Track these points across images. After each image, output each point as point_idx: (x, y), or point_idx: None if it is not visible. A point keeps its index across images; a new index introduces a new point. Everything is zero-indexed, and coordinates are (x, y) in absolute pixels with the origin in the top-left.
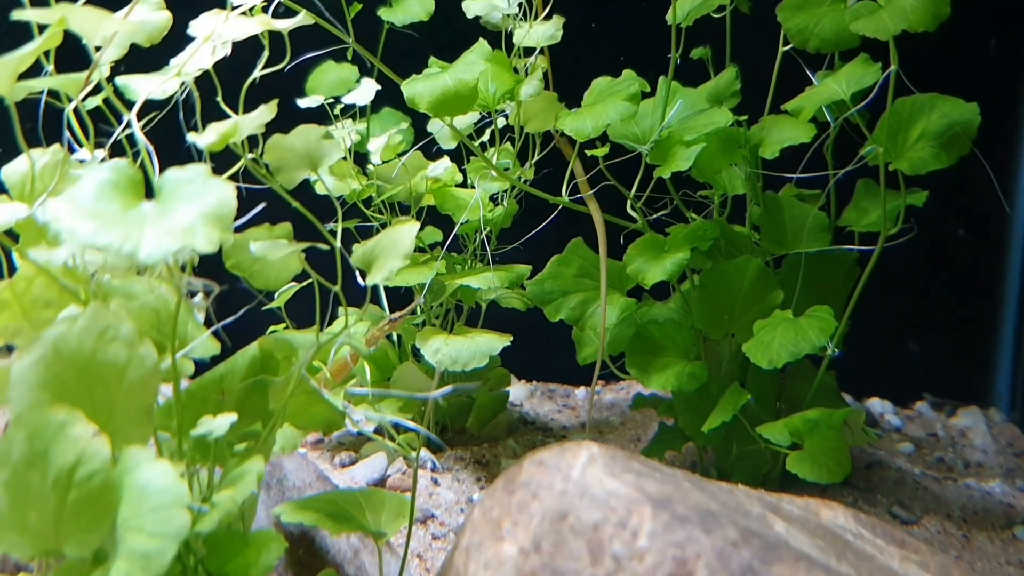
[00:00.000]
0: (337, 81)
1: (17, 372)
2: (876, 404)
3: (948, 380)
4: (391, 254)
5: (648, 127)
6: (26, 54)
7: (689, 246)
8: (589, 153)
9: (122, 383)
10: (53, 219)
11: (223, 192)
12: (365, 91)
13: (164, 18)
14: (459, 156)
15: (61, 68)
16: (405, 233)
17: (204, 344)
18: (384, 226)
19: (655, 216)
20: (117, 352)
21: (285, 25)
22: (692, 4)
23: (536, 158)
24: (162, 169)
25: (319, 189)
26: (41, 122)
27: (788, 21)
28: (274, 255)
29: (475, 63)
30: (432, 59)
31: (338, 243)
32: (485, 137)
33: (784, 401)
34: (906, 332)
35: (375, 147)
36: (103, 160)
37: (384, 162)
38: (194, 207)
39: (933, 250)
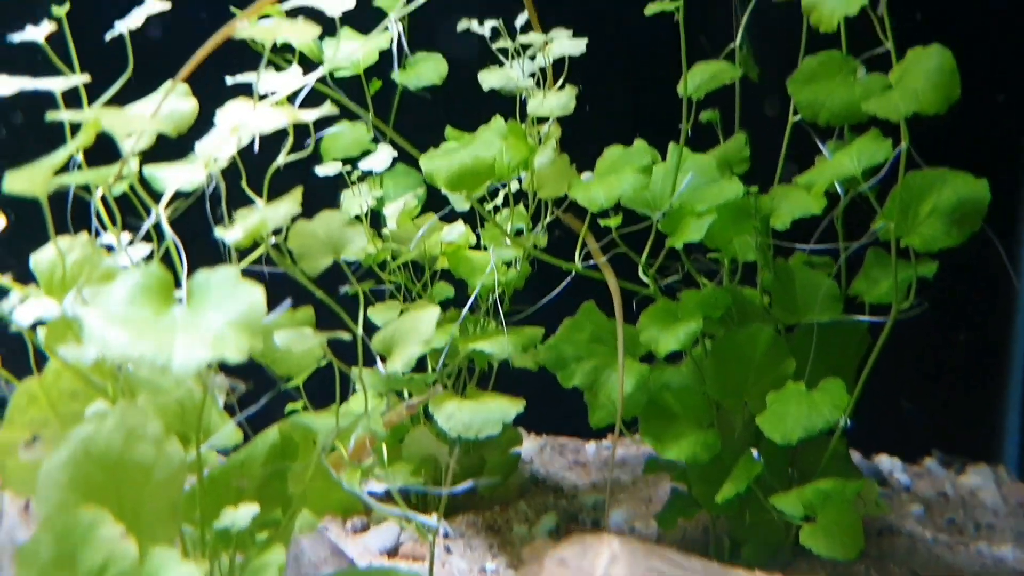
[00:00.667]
0: (352, 142)
1: (46, 473)
2: (885, 461)
3: (957, 436)
4: (411, 340)
5: (659, 192)
6: (61, 158)
7: (701, 314)
8: (602, 223)
9: (149, 482)
10: (87, 329)
11: (252, 297)
12: (381, 157)
13: (191, 107)
14: (473, 216)
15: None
16: (425, 319)
17: (228, 434)
18: (399, 288)
19: (667, 282)
20: (145, 452)
21: (311, 116)
22: (703, 77)
23: (548, 220)
24: (188, 256)
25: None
26: (69, 206)
27: (798, 94)
28: (298, 347)
29: (492, 141)
30: (449, 129)
31: (360, 330)
32: (499, 200)
33: (796, 468)
34: (915, 388)
35: (391, 212)
36: (130, 243)
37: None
38: (224, 313)
39: (942, 308)
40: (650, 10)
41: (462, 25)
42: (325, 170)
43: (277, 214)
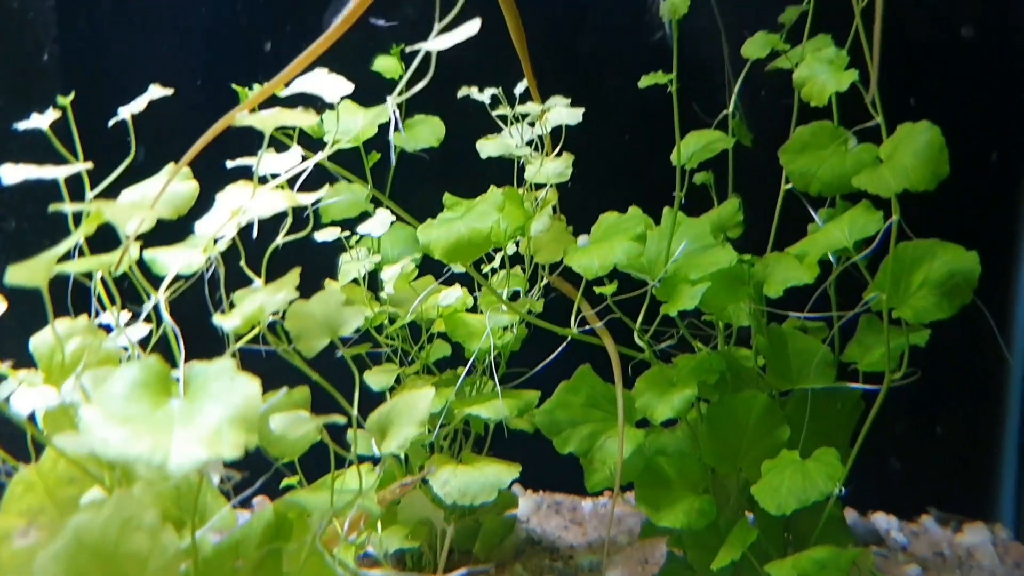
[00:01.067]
0: (350, 202)
1: (40, 565)
2: (881, 520)
3: (953, 493)
4: (406, 421)
5: (654, 257)
6: (63, 250)
7: (696, 380)
8: (597, 291)
9: (144, 572)
10: (85, 427)
11: (248, 391)
12: (380, 222)
13: (191, 188)
14: (471, 276)
15: None
16: (420, 400)
17: (224, 517)
18: (395, 352)
19: (662, 346)
20: (140, 542)
21: (309, 199)
22: (696, 146)
23: (545, 281)
24: (186, 327)
25: None
26: (70, 285)
27: (790, 164)
28: (294, 432)
29: (488, 212)
30: (447, 196)
31: (355, 411)
32: (496, 262)
33: (792, 532)
34: (911, 445)
35: (389, 276)
36: (129, 322)
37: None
38: (220, 408)
39: (936, 368)
40: (643, 83)
41: (462, 92)
42: (324, 235)
43: (275, 300)
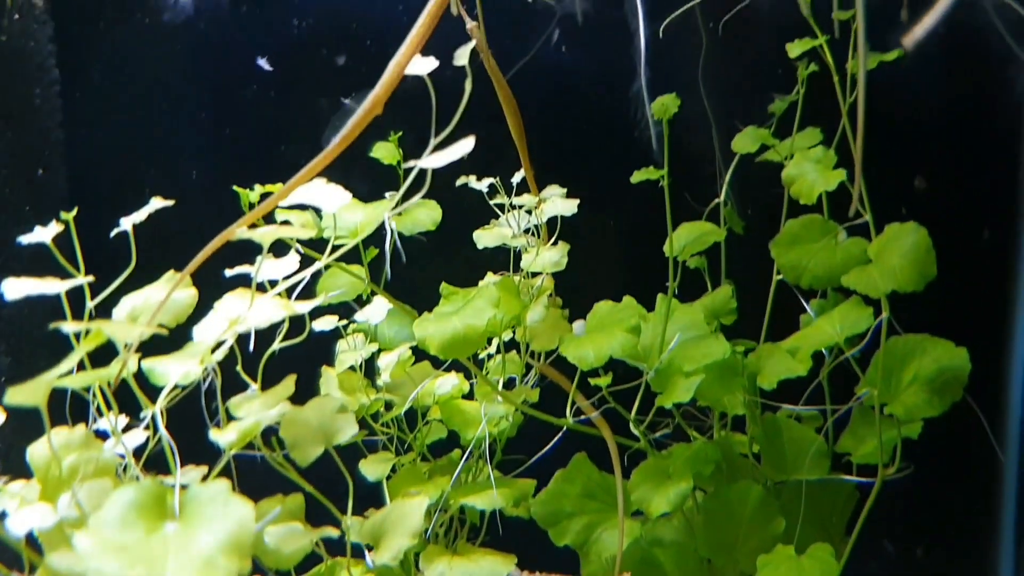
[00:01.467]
0: (347, 286)
1: None
2: None
3: None
4: (400, 532)
5: (649, 343)
6: (63, 370)
7: (692, 471)
8: (592, 382)
9: None
10: (80, 556)
11: (242, 515)
12: (377, 309)
13: (190, 296)
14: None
15: None
16: (414, 509)
17: None
18: (391, 440)
19: (658, 435)
20: None
21: (306, 308)
22: (689, 238)
23: (542, 362)
24: (181, 435)
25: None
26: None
27: (781, 257)
28: (288, 547)
29: (484, 308)
30: (444, 286)
31: (349, 520)
32: (492, 348)
33: None
34: (906, 535)
35: (385, 364)
36: (126, 428)
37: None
38: (214, 535)
39: (929, 455)
40: (635, 178)
41: (460, 181)
42: (321, 325)
43: (270, 415)
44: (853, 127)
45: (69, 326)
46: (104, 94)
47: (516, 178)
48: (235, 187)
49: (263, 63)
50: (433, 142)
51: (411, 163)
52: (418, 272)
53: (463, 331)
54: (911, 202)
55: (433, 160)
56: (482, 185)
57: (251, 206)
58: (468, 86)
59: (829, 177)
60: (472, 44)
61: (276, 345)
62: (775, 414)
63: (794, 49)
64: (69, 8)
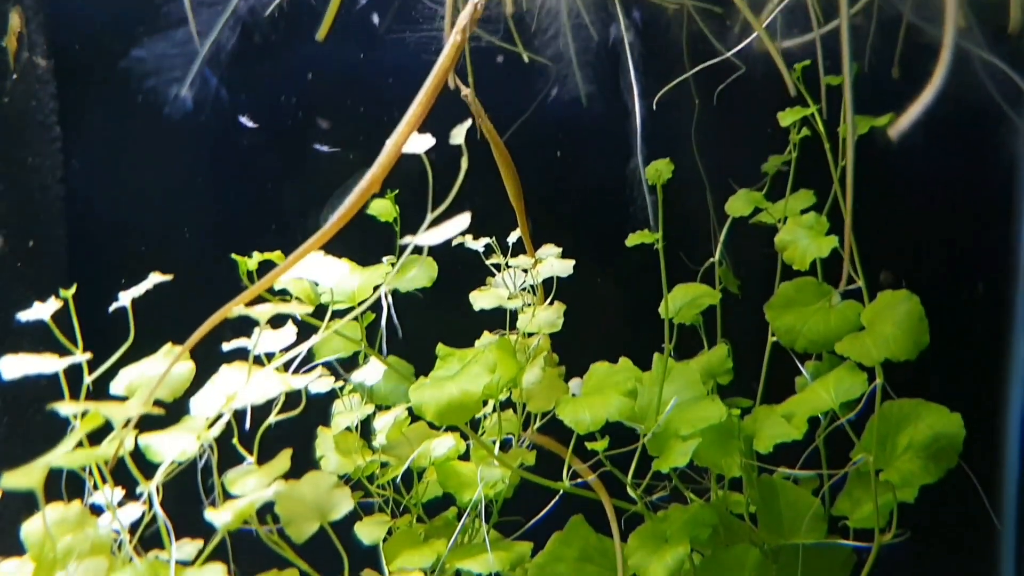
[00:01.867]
0: (344, 346)
1: None
2: None
3: None
4: None
5: (645, 404)
6: (60, 452)
7: (688, 536)
8: (589, 447)
9: None
10: None
11: None
12: (372, 371)
13: (187, 370)
14: None
15: None
16: None
17: None
18: (387, 502)
19: (654, 498)
20: None
21: (303, 383)
22: (684, 300)
23: (535, 427)
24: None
25: (323, 467)
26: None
27: (776, 320)
28: None
29: (480, 374)
30: (440, 347)
31: None
32: (488, 408)
33: None
34: None
35: (382, 426)
36: (122, 503)
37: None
38: None
39: (926, 518)
40: (631, 241)
41: (456, 240)
42: (317, 387)
43: (265, 494)
44: (844, 193)
45: (66, 408)
46: (106, 152)
47: (512, 237)
48: (234, 255)
49: (245, 120)
50: (430, 216)
51: (406, 239)
52: (415, 324)
53: (459, 397)
54: (905, 263)
55: (428, 237)
56: (478, 245)
57: (250, 275)
58: (464, 164)
59: (822, 244)
60: (468, 122)
61: (272, 418)
62: (772, 476)
63: (785, 118)
64: (72, 68)
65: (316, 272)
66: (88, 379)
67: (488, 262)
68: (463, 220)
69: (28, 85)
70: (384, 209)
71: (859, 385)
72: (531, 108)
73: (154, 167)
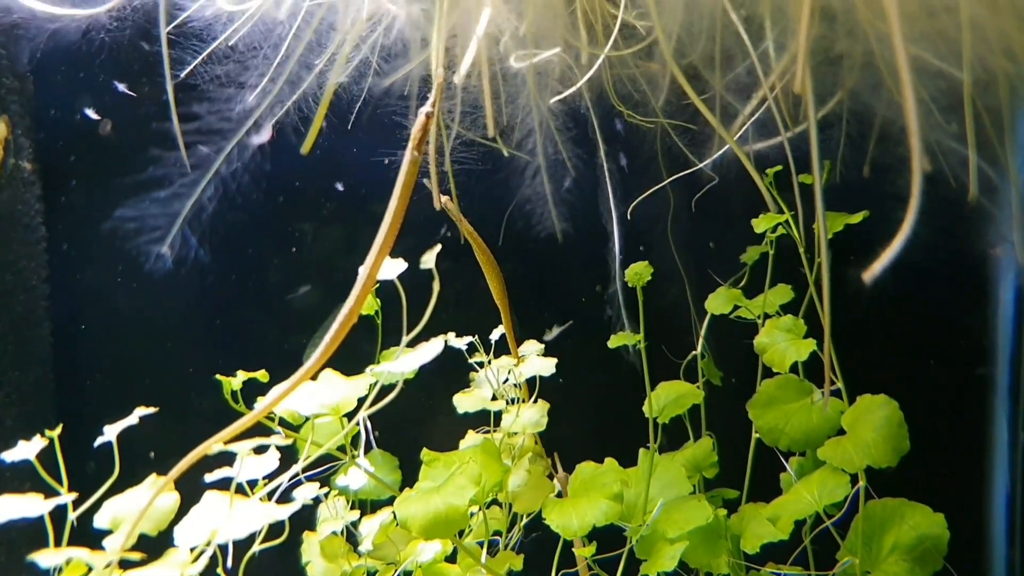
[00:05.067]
0: (329, 434)
1: None
2: None
3: None
4: None
5: (632, 501)
6: None
7: None
8: (576, 552)
9: None
10: None
11: None
12: (356, 477)
13: (172, 502)
14: None
15: None
16: None
17: None
18: None
19: None
20: None
21: (286, 513)
22: (668, 399)
23: (524, 522)
24: None
25: (310, 573)
26: None
27: (759, 419)
28: None
29: (465, 487)
30: (424, 452)
31: None
32: (478, 518)
33: None
34: None
35: (368, 531)
36: None
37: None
38: None
39: None
40: (613, 343)
41: (439, 339)
42: (302, 494)
43: None
44: (820, 294)
45: (47, 558)
46: (91, 255)
47: (495, 335)
48: (218, 375)
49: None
50: (405, 339)
51: (382, 367)
52: (401, 406)
53: (445, 512)
54: (885, 359)
55: (402, 364)
56: (461, 343)
57: (233, 394)
58: (436, 287)
59: (800, 347)
60: (438, 248)
61: (256, 547)
62: (760, 574)
63: (760, 224)
64: (57, 169)
65: (298, 404)
66: (72, 516)
67: (472, 360)
68: (436, 346)
69: (15, 190)
70: (367, 304)
71: (842, 488)
72: (510, 206)
73: (138, 277)
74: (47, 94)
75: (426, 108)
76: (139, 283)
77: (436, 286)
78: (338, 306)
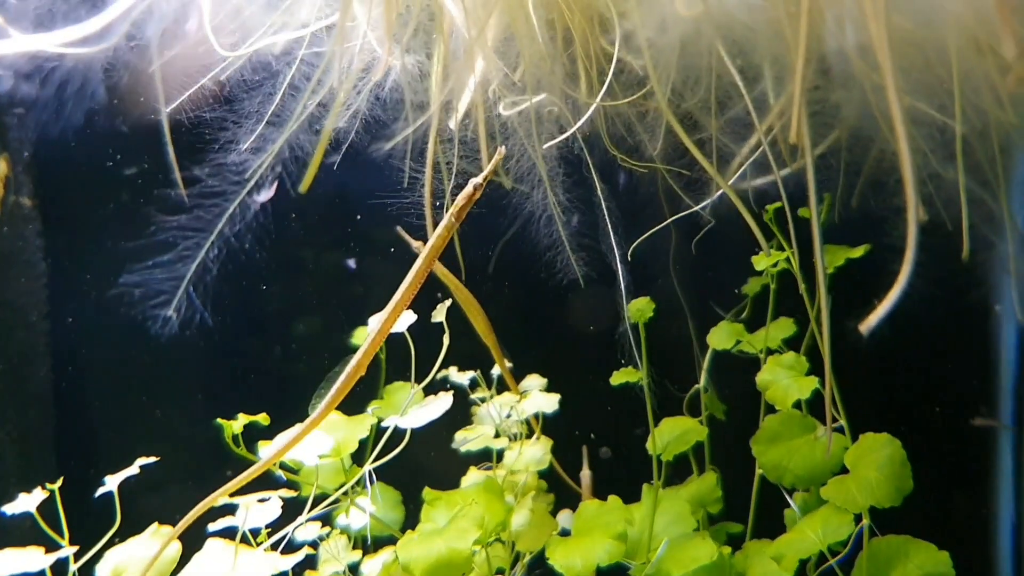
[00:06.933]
0: (333, 473)
1: None
2: None
3: None
4: None
5: (636, 537)
6: None
7: None
8: None
9: None
10: None
11: None
12: (356, 519)
13: (174, 552)
14: None
15: None
16: None
17: None
18: None
19: None
20: None
21: (290, 564)
22: (671, 435)
23: (528, 559)
24: None
25: None
26: None
27: (762, 456)
28: None
29: (468, 530)
30: (426, 491)
31: None
32: (481, 556)
33: None
34: None
35: (369, 571)
36: None
37: None
38: None
39: None
40: (615, 380)
41: (441, 374)
42: (303, 534)
43: None
44: (820, 331)
45: None
46: (91, 291)
47: (496, 371)
48: (219, 420)
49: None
50: (413, 390)
51: (389, 421)
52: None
53: (447, 555)
54: (887, 395)
55: (411, 420)
56: (463, 379)
57: (234, 438)
58: (446, 341)
59: (802, 385)
60: (448, 303)
61: None
62: None
63: (760, 262)
64: (57, 205)
65: (300, 453)
66: (74, 567)
67: (474, 395)
68: (445, 402)
69: (14, 226)
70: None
71: (846, 526)
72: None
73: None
74: (47, 131)
75: (476, 180)
76: (140, 320)
77: (446, 340)
78: (346, 358)
